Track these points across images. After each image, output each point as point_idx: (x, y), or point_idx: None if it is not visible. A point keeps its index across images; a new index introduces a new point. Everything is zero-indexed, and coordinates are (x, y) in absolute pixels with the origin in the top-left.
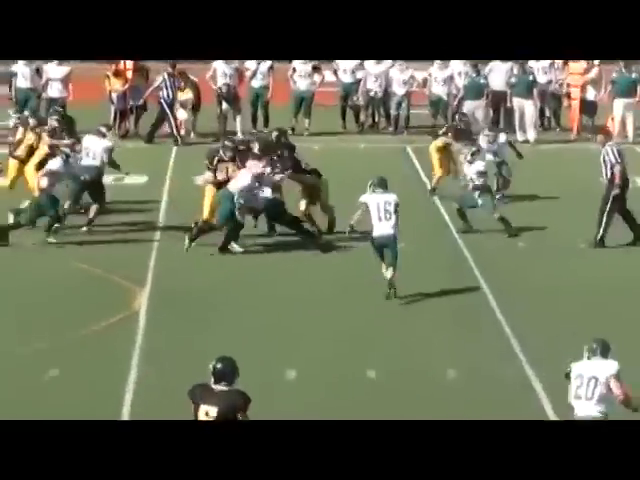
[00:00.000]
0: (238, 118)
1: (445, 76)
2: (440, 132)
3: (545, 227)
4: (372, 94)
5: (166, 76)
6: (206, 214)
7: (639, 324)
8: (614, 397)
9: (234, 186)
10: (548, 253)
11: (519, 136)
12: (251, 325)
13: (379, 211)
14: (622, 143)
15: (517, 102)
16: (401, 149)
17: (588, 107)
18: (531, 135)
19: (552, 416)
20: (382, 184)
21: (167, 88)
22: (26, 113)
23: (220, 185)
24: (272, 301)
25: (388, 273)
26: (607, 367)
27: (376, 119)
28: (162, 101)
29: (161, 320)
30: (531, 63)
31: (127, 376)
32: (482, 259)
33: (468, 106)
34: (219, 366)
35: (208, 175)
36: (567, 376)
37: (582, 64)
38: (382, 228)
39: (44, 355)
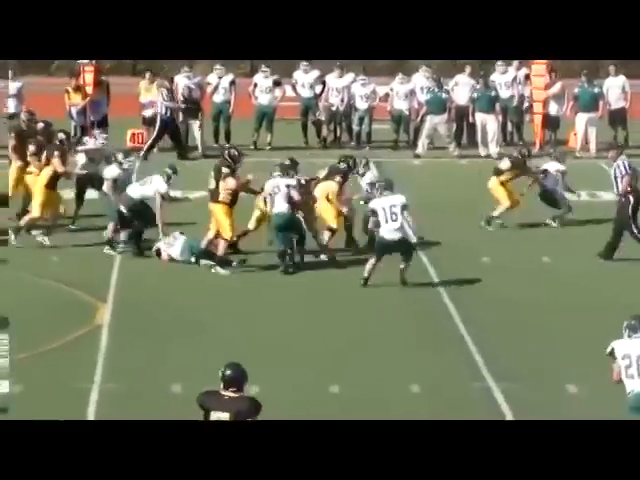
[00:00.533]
0: (200, 132)
1: (406, 90)
2: (504, 168)
3: (507, 241)
4: (334, 109)
5: (165, 92)
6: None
7: (600, 338)
8: None
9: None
10: (510, 267)
11: (481, 151)
12: (213, 338)
13: (385, 214)
14: (586, 157)
15: (479, 117)
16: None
17: (551, 122)
18: (493, 150)
19: None
20: (389, 187)
21: (167, 101)
22: None
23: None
24: (235, 315)
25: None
26: None
27: (338, 134)
28: (159, 116)
29: (124, 334)
30: (494, 77)
31: (90, 390)
32: (445, 273)
33: (431, 121)
34: (228, 372)
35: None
36: (611, 354)
37: (545, 78)
38: (388, 230)
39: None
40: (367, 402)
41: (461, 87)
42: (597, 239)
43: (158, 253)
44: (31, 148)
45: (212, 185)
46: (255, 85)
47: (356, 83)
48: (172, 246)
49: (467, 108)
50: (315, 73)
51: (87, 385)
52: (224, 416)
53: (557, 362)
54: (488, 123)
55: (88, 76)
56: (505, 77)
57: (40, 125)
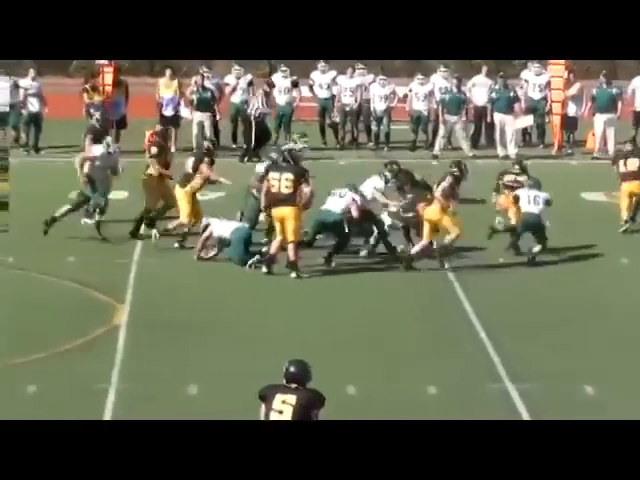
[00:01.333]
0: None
1: (426, 91)
2: None
3: (522, 241)
4: (348, 109)
5: (262, 93)
6: None
7: (617, 338)
8: None
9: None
10: (527, 268)
11: (500, 151)
12: (230, 339)
13: (529, 199)
14: (604, 158)
15: (498, 117)
16: (382, 165)
17: (569, 123)
18: (512, 151)
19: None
20: (537, 185)
21: (262, 106)
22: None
23: None
24: (253, 316)
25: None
26: None
27: (355, 134)
28: (252, 119)
29: (142, 335)
30: (527, 77)
31: (107, 391)
32: (463, 274)
33: (448, 121)
34: (292, 369)
35: None
36: None
37: (563, 79)
38: (529, 209)
39: (20, 370)
40: (384, 403)
41: (478, 88)
42: (615, 239)
43: (205, 227)
44: (153, 150)
45: (287, 190)
46: (273, 85)
47: (375, 83)
48: (224, 225)
49: (485, 109)
50: (332, 74)
51: (104, 386)
52: (291, 398)
53: (574, 363)
54: (507, 124)
55: (108, 76)
56: (539, 79)
57: (158, 127)
